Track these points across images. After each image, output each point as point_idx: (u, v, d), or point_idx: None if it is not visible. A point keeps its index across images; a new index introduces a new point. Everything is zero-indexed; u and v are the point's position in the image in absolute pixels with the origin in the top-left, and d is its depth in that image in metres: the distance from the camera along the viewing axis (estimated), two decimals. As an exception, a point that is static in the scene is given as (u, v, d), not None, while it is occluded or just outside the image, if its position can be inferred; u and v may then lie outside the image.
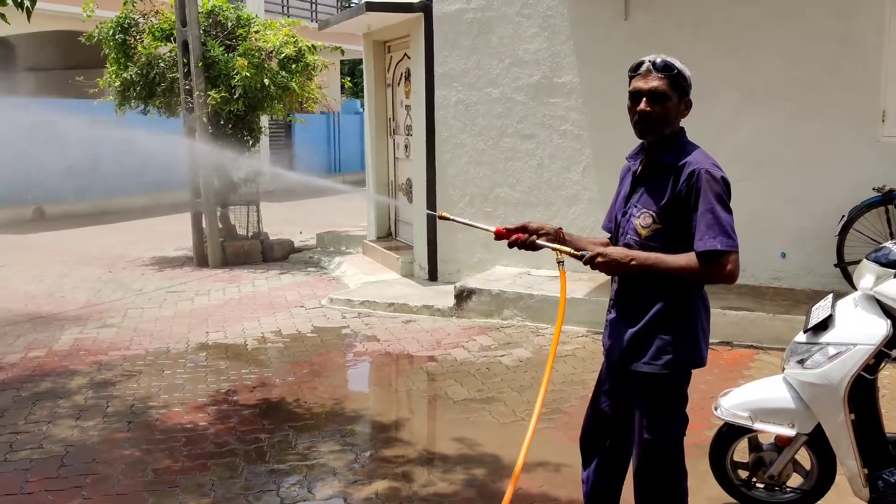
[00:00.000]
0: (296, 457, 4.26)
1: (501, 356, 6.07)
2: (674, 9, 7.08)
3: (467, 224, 3.07)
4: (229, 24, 10.18)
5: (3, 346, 6.42)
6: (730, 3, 6.92)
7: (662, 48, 7.26)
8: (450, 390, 5.34)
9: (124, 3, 10.00)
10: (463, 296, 7.18)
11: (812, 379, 3.20)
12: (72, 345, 6.46)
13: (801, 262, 6.93)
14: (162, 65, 9.83)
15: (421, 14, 8.12)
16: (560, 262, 2.76)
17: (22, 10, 3.90)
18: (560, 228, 2.85)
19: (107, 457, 4.25)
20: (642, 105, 2.67)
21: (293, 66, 9.95)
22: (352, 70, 30.44)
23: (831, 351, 3.12)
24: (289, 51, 9.72)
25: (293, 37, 9.94)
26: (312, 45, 10.20)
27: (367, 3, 8.14)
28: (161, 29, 10.02)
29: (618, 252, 2.64)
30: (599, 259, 2.61)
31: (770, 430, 3.35)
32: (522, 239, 2.76)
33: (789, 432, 3.30)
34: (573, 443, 4.40)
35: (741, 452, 3.60)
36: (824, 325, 3.18)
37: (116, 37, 9.89)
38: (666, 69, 2.65)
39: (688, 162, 2.65)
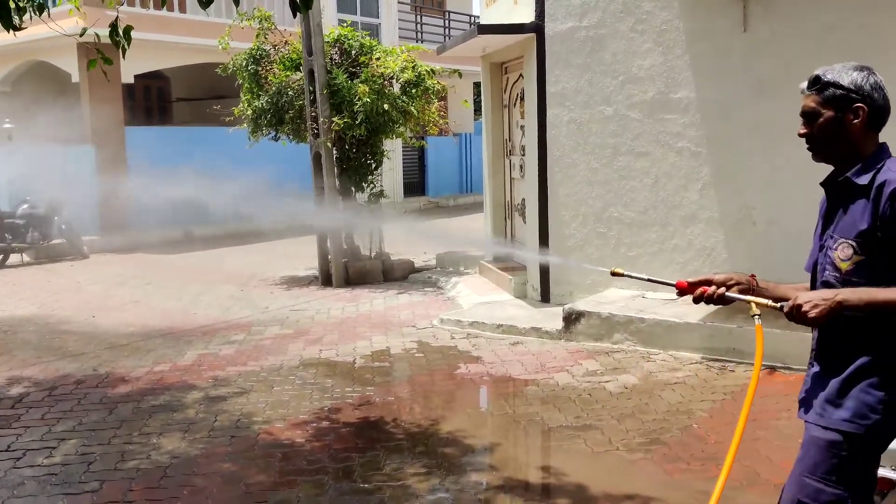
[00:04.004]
0: (382, 477, 4.30)
1: (606, 382, 5.90)
2: (796, 18, 6.70)
3: (644, 279, 2.71)
4: (353, 51, 10.54)
5: (135, 360, 6.87)
6: (860, 9, 6.46)
7: (784, 60, 6.95)
8: (546, 416, 5.24)
9: (256, 36, 10.56)
10: (571, 318, 7.05)
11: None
12: (195, 360, 6.83)
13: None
14: (290, 93, 10.28)
15: (533, 35, 8.09)
16: (755, 316, 2.40)
17: (118, 48, 4.19)
18: (753, 275, 2.52)
19: (206, 469, 4.46)
20: (800, 128, 2.43)
21: (413, 90, 10.16)
22: (479, 91, 30.75)
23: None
24: (408, 76, 9.94)
25: (412, 62, 10.15)
26: (431, 70, 10.39)
27: (479, 26, 8.21)
28: (290, 59, 10.49)
29: (818, 296, 2.25)
30: (805, 307, 2.22)
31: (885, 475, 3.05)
32: (709, 293, 2.46)
33: (892, 475, 3.00)
34: (668, 476, 4.25)
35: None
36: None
37: (249, 67, 10.45)
38: (813, 84, 2.38)
39: (887, 180, 2.25)
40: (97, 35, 4.83)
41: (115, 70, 14.50)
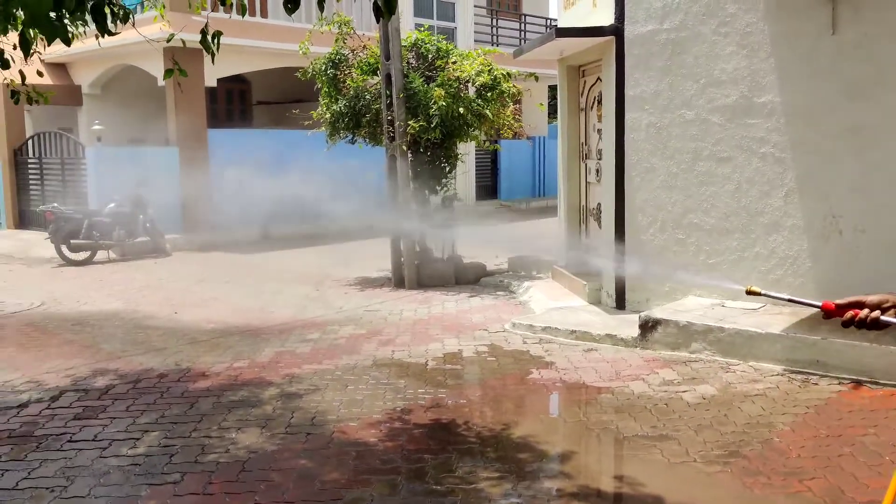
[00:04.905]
0: (455, 480, 4.30)
1: (683, 392, 5.78)
2: (889, 20, 6.44)
3: (785, 300, 2.46)
4: (430, 55, 10.61)
5: (214, 356, 7.06)
6: (958, 8, 6.19)
7: (876, 63, 6.71)
8: (622, 424, 5.16)
9: (336, 40, 10.72)
10: (648, 326, 6.93)
11: None
12: (272, 357, 6.97)
13: None
14: (367, 97, 10.41)
15: (612, 37, 7.99)
16: None
17: (209, 52, 4.33)
18: None
19: (283, 465, 4.54)
20: None
21: (488, 94, 10.17)
22: (554, 94, 30.57)
23: None
24: (483, 79, 9.95)
25: (488, 65, 10.16)
26: (507, 73, 10.37)
27: (557, 29, 8.16)
28: (368, 63, 10.62)
29: None
30: None
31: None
32: (861, 317, 2.23)
33: None
34: (748, 490, 4.14)
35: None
36: None
37: (328, 72, 10.62)
38: None
39: None
40: (183, 41, 5.01)
41: (198, 74, 15.00)
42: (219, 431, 5.10)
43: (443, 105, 9.75)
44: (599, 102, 9.03)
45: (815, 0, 6.76)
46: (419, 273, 10.49)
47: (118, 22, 4.73)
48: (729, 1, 7.27)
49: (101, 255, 13.66)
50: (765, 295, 2.42)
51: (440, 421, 5.28)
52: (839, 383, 5.82)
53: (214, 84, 16.41)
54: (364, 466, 4.51)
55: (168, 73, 4.81)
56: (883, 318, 2.19)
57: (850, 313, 2.24)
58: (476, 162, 21.77)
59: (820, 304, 2.29)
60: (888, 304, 2.22)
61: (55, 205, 13.80)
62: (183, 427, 5.20)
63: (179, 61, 4.87)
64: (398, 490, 4.19)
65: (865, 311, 2.22)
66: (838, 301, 2.26)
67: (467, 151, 14.85)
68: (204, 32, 4.36)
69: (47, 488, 4.28)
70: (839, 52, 6.71)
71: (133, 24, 5.35)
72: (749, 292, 2.44)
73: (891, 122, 6.51)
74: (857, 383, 5.77)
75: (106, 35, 4.16)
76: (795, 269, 7.11)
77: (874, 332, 2.21)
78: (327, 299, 9.80)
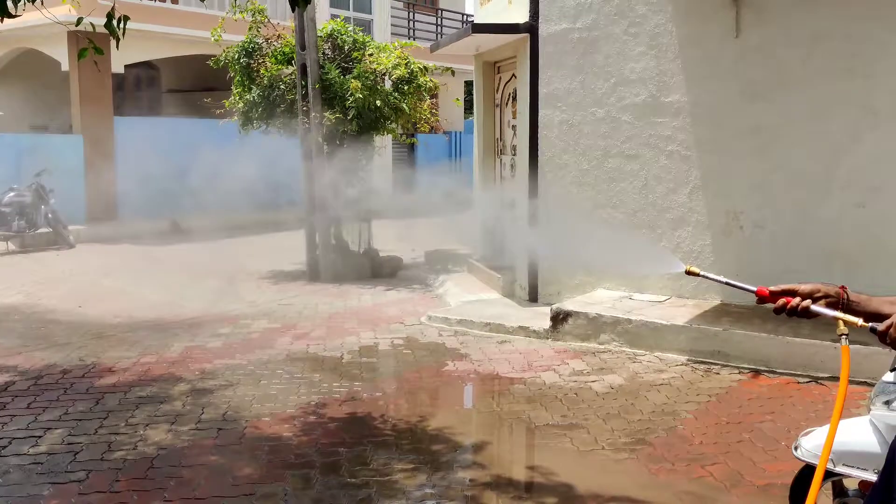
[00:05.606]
0: (369, 472, 4.31)
1: (592, 382, 5.94)
2: (788, 25, 6.76)
3: (722, 282, 2.50)
4: (346, 47, 10.54)
5: (121, 350, 6.85)
6: (851, 18, 6.53)
7: (775, 66, 7.00)
8: (533, 414, 5.27)
9: (249, 29, 10.53)
10: (559, 318, 7.09)
11: (898, 423, 2.95)
12: (182, 352, 6.81)
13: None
14: (282, 87, 10.27)
15: (527, 35, 8.12)
16: (843, 336, 2.17)
17: (114, 37, 4.19)
18: (843, 287, 2.28)
19: (193, 461, 4.45)
20: None
21: (405, 87, 10.18)
22: (470, 90, 30.78)
23: (920, 393, 2.86)
24: (400, 72, 9.95)
25: (405, 59, 10.17)
26: (424, 67, 10.40)
27: (473, 25, 8.24)
28: (282, 52, 10.48)
29: None
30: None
31: (852, 475, 3.12)
32: (792, 305, 2.25)
33: (873, 478, 3.06)
34: (653, 476, 4.29)
35: (825, 496, 3.37)
36: (914, 364, 2.93)
37: (241, 60, 10.42)
38: None
39: None
40: (92, 25, 4.83)
41: (105, 60, 14.46)
42: (126, 428, 4.96)
43: (359, 97, 9.71)
44: (514, 99, 9.16)
45: (720, 3, 7.04)
46: (335, 266, 10.43)
47: (25, 1, 4.52)
48: (639, 2, 7.49)
49: (-2, 246, 13.06)
50: (703, 276, 2.47)
51: (355, 414, 5.28)
52: (739, 372, 6.09)
53: (122, 70, 15.85)
54: (278, 461, 4.47)
55: (83, 52, 4.62)
56: (813, 307, 2.23)
57: (782, 301, 2.28)
58: (393, 155, 21.72)
59: (755, 289, 2.33)
60: (819, 294, 2.26)
61: (-51, 193, 13.11)
62: (88, 424, 5.03)
63: (86, 46, 4.70)
64: (312, 483, 4.17)
65: (797, 299, 2.26)
66: (772, 288, 2.30)
67: (384, 145, 14.82)
68: (110, 16, 4.21)
69: (-59, 490, 4.08)
70: (742, 54, 7.00)
71: (42, 3, 5.14)
72: (688, 272, 2.48)
73: (789, 123, 6.84)
74: (756, 372, 6.05)
75: (5, 18, 3.98)
76: (700, 262, 7.38)
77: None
78: (240, 293, 9.63)
